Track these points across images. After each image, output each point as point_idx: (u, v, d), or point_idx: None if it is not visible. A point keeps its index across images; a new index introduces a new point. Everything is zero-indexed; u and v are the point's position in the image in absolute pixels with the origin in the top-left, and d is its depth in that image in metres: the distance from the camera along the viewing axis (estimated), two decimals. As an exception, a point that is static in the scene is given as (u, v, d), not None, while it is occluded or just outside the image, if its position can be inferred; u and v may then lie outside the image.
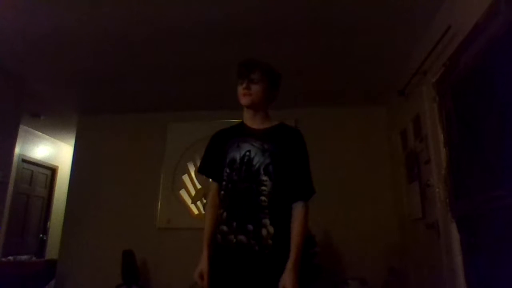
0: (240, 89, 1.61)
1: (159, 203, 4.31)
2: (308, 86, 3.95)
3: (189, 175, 4.39)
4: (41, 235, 5.73)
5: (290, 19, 2.77)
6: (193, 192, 4.32)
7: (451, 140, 2.41)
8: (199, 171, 1.74)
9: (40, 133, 5.62)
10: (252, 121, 1.65)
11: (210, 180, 1.70)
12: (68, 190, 4.60)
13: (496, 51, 1.85)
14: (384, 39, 3.00)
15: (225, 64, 3.32)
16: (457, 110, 2.36)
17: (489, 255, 1.99)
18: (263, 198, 1.46)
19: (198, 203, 4.27)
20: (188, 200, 4.30)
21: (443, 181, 2.53)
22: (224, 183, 1.55)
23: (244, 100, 1.61)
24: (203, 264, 1.52)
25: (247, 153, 1.53)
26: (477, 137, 2.10)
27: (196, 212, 4.24)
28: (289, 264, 1.40)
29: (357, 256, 3.79)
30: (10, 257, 4.62)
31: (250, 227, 1.44)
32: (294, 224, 1.46)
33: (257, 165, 1.50)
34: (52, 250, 5.32)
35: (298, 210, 1.49)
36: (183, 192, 4.35)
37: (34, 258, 5.03)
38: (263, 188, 1.47)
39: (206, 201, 1.71)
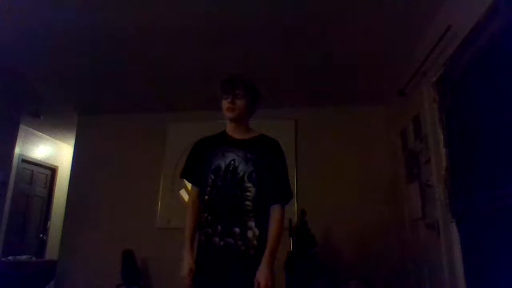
0: (225, 103, 1.74)
1: (159, 203, 4.30)
2: (308, 86, 3.95)
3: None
4: (41, 235, 5.72)
5: (289, 19, 2.77)
6: (193, 192, 4.32)
7: (451, 140, 2.42)
8: (181, 176, 1.87)
9: (40, 133, 5.62)
10: (234, 132, 1.79)
11: (190, 185, 1.82)
12: (68, 190, 4.59)
13: (496, 51, 1.85)
14: (384, 39, 3.00)
15: (225, 64, 3.33)
16: (457, 110, 2.36)
17: (489, 255, 1.99)
18: (247, 203, 1.62)
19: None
20: (188, 200, 4.29)
21: (443, 181, 2.53)
22: (208, 188, 1.67)
23: (229, 114, 1.75)
24: (190, 260, 1.60)
25: (232, 162, 1.68)
26: (477, 137, 2.10)
27: (196, 212, 4.23)
28: (264, 258, 1.54)
29: (357, 256, 3.79)
30: (10, 257, 4.62)
31: (237, 230, 1.58)
32: (271, 223, 1.62)
33: (241, 173, 1.65)
34: (52, 250, 5.32)
35: (275, 211, 1.64)
36: (183, 192, 4.34)
37: (34, 258, 5.02)
38: (248, 193, 1.63)
39: (188, 204, 1.81)
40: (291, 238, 3.39)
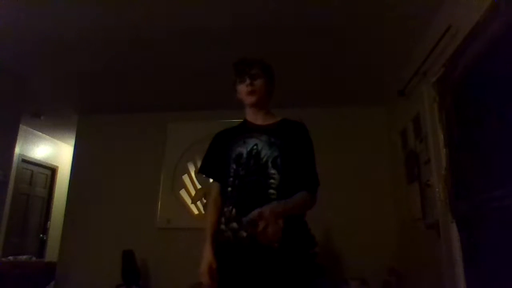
0: (243, 87, 1.58)
1: (159, 203, 4.30)
2: (309, 86, 3.95)
3: (189, 175, 4.38)
4: (41, 235, 5.72)
5: (289, 20, 2.77)
6: (193, 192, 4.32)
7: (451, 140, 2.42)
8: (200, 171, 1.71)
9: (40, 133, 5.62)
10: (255, 118, 1.63)
11: (211, 180, 1.66)
12: (68, 190, 4.59)
13: (496, 51, 1.85)
14: (384, 39, 3.00)
15: (225, 64, 3.32)
16: (457, 110, 2.36)
17: (489, 255, 1.99)
18: (271, 191, 1.44)
19: (198, 203, 4.27)
20: (188, 200, 4.30)
21: (443, 181, 2.53)
22: (231, 179, 1.51)
23: (250, 99, 1.58)
24: (210, 259, 1.46)
25: (255, 147, 1.51)
26: (477, 137, 2.10)
27: (196, 212, 4.24)
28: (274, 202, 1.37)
29: (357, 256, 3.79)
30: (10, 257, 4.62)
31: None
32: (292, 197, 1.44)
33: (264, 158, 1.48)
34: (52, 250, 5.32)
35: (301, 193, 1.48)
36: (183, 192, 4.34)
37: (34, 258, 5.03)
38: (272, 181, 1.45)
39: (207, 202, 1.66)
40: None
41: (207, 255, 1.48)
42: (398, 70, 3.41)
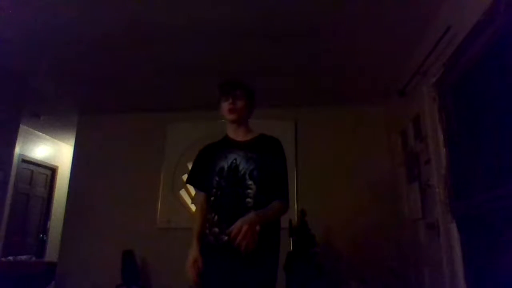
0: (226, 105, 1.79)
1: (159, 203, 4.30)
2: (308, 86, 3.95)
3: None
4: (41, 235, 5.72)
5: (289, 20, 2.77)
6: (193, 192, 4.31)
7: (451, 140, 2.42)
8: (187, 183, 1.97)
9: (40, 133, 5.62)
10: (235, 134, 1.84)
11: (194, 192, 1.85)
12: (68, 190, 4.59)
13: (496, 51, 1.85)
14: (384, 39, 3.00)
15: (225, 64, 3.33)
16: (457, 110, 2.36)
17: (489, 255, 1.99)
18: (248, 200, 1.65)
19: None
20: (188, 200, 4.30)
21: (443, 181, 2.53)
22: (214, 190, 1.72)
23: (230, 116, 1.80)
24: (195, 255, 1.67)
25: (234, 161, 1.72)
26: (477, 137, 2.10)
27: (196, 212, 4.23)
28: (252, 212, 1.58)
29: (357, 256, 3.79)
30: (10, 257, 4.62)
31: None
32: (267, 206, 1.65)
33: (242, 171, 1.70)
34: (52, 250, 5.32)
35: (274, 202, 1.67)
36: (183, 192, 4.34)
37: (34, 258, 5.03)
38: (249, 191, 1.66)
39: (196, 210, 1.92)
40: (291, 238, 3.39)
41: (192, 252, 1.69)
42: (398, 70, 3.41)
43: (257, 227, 1.51)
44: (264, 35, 2.96)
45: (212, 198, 1.72)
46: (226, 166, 1.73)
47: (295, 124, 4.35)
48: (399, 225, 3.75)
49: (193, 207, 4.26)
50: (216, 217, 1.67)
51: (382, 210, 3.91)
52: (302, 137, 4.29)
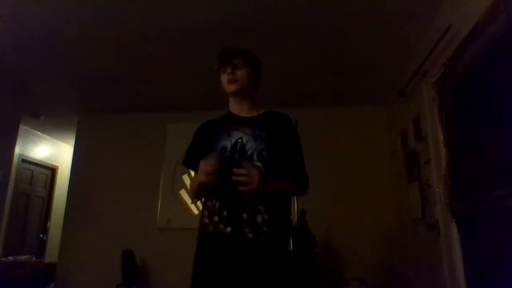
0: (224, 76, 1.57)
1: (159, 203, 4.30)
2: (308, 86, 3.95)
3: (189, 175, 4.38)
4: (41, 235, 5.72)
5: (291, 21, 2.77)
6: (193, 192, 4.32)
7: (451, 140, 2.42)
8: (183, 163, 1.67)
9: (40, 133, 5.62)
10: (239, 109, 1.62)
11: (193, 173, 1.62)
12: (68, 190, 4.59)
13: (496, 51, 1.85)
14: (384, 39, 3.00)
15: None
16: (457, 110, 2.36)
17: (489, 255, 1.99)
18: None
19: (198, 203, 4.26)
20: (188, 200, 4.30)
21: (443, 181, 2.53)
22: None
23: (230, 87, 1.57)
24: (202, 163, 1.41)
25: (239, 140, 1.50)
26: (477, 137, 2.10)
27: (196, 212, 4.23)
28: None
29: (357, 256, 3.79)
30: (10, 257, 4.62)
31: (244, 215, 1.39)
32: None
33: (250, 151, 1.47)
34: (52, 250, 5.32)
35: (289, 181, 1.49)
36: (183, 192, 4.34)
37: (34, 258, 5.03)
38: None
39: (191, 187, 1.64)
40: (291, 238, 3.39)
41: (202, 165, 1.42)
42: (398, 70, 3.41)
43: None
44: (263, 34, 2.96)
45: None
46: (229, 146, 1.49)
47: (295, 123, 4.34)
48: (399, 225, 3.75)
49: (193, 207, 4.27)
50: (217, 204, 1.44)
51: (382, 210, 3.91)
52: (302, 137, 4.26)
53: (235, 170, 1.35)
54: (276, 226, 1.41)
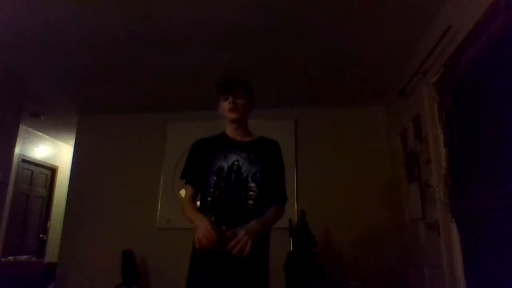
0: (226, 105, 1.73)
1: (159, 203, 4.30)
2: (308, 86, 3.95)
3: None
4: (41, 235, 5.72)
5: (289, 20, 2.77)
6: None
7: (451, 140, 2.42)
8: (181, 177, 1.83)
9: (40, 133, 5.62)
10: (235, 133, 1.79)
11: (186, 184, 1.79)
12: (68, 190, 4.59)
13: (496, 51, 1.85)
14: (384, 39, 3.00)
15: (225, 64, 3.33)
16: (457, 110, 2.36)
17: (489, 255, 1.99)
18: (250, 202, 1.63)
19: (198, 203, 4.26)
20: (188, 200, 4.29)
21: (443, 181, 2.53)
22: (211, 190, 1.67)
23: (231, 115, 1.73)
24: (205, 222, 1.53)
25: (236, 163, 1.68)
26: (477, 137, 2.10)
27: (196, 212, 4.23)
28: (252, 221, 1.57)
29: (357, 256, 3.79)
30: (10, 257, 4.63)
31: (240, 229, 1.54)
32: (266, 212, 1.65)
33: (245, 173, 1.67)
34: (52, 250, 5.32)
35: (272, 208, 1.69)
36: (183, 192, 4.33)
37: (34, 258, 5.03)
38: (251, 193, 1.64)
39: (184, 202, 1.81)
40: (291, 238, 3.39)
41: (201, 221, 1.55)
42: (398, 70, 3.41)
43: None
44: (263, 35, 2.97)
45: (209, 198, 1.66)
46: (226, 167, 1.68)
47: (295, 123, 4.36)
48: (399, 225, 3.75)
49: (193, 207, 4.26)
50: (213, 218, 1.60)
51: (382, 210, 3.91)
52: (302, 137, 4.29)
53: (231, 244, 1.47)
54: (259, 244, 1.57)
